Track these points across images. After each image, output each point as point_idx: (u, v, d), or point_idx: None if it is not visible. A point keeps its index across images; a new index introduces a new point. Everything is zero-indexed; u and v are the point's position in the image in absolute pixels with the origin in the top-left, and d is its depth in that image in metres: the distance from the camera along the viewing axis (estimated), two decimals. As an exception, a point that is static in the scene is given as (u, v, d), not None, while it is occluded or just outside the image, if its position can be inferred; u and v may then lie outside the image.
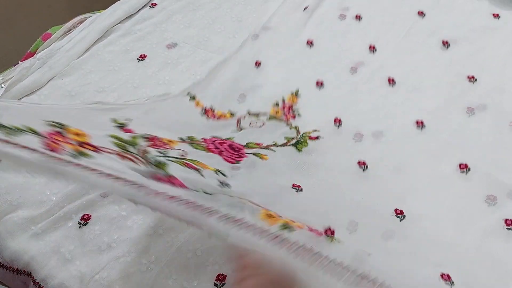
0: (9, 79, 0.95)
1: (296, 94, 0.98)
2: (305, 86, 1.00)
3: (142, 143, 0.69)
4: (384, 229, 0.77)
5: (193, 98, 0.94)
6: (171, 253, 0.75)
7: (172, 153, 0.71)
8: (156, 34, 1.09)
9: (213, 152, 0.78)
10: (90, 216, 0.78)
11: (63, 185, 0.80)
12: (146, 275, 0.73)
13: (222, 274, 0.73)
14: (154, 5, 1.14)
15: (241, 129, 0.90)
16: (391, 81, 1.00)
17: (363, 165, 0.87)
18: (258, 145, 0.86)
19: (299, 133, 0.91)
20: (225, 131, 0.89)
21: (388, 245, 0.76)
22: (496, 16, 1.12)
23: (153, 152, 0.68)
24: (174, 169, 0.65)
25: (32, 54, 1.02)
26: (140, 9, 1.13)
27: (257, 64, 1.03)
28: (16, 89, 0.94)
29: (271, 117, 0.94)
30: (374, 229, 0.77)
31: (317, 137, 0.91)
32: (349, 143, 0.91)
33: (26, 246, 0.74)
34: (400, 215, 0.79)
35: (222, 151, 0.79)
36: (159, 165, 0.64)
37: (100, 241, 0.76)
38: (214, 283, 0.72)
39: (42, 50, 1.01)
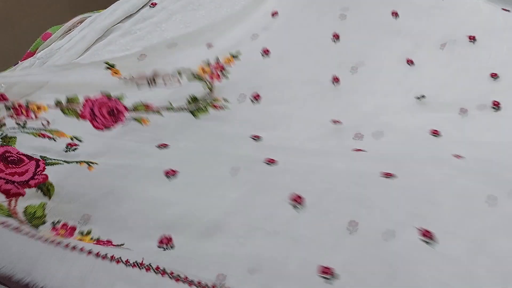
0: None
1: (234, 56, 0.96)
2: (250, 51, 0.98)
3: (4, 113, 0.77)
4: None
5: (111, 66, 0.92)
6: (171, 253, 0.75)
7: (31, 124, 0.78)
8: (156, 34, 1.08)
9: (84, 118, 0.80)
10: (90, 216, 0.78)
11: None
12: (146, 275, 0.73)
13: (222, 274, 0.73)
14: (154, 4, 1.14)
15: (152, 84, 0.89)
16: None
17: (256, 137, 0.87)
18: (147, 108, 0.85)
19: (212, 92, 0.89)
20: (130, 89, 0.88)
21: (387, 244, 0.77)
22: None
23: (9, 124, 0.77)
24: (23, 141, 0.75)
25: (32, 54, 1.02)
26: (140, 9, 1.13)
27: (209, 45, 1.01)
28: (16, 88, 0.94)
29: (195, 77, 0.92)
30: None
31: (221, 107, 0.89)
32: (253, 120, 0.90)
33: (26, 245, 0.74)
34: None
35: (96, 116, 0.80)
36: (6, 139, 0.73)
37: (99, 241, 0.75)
38: (214, 283, 0.72)
39: (42, 50, 1.01)
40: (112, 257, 0.66)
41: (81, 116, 0.80)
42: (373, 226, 0.79)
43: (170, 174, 0.79)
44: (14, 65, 1.00)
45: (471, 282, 0.73)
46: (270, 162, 0.81)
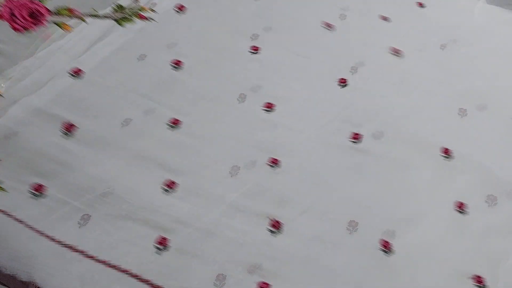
0: (9, 79, 0.95)
1: None
2: None
3: None
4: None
5: None
6: (171, 253, 0.75)
7: None
8: (156, 34, 1.08)
9: (2, 18, 0.79)
10: (90, 216, 0.78)
11: (63, 185, 0.81)
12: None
13: (222, 274, 0.73)
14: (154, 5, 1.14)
15: None
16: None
17: (177, 64, 0.95)
18: (71, 12, 0.86)
19: (137, 1, 0.92)
20: None
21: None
22: None
23: None
24: None
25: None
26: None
27: None
28: (16, 88, 0.94)
29: None
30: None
31: (147, 18, 0.92)
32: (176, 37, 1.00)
33: (26, 246, 0.74)
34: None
35: (15, 17, 0.79)
36: None
37: (99, 241, 0.75)
38: (214, 283, 0.72)
39: (42, 50, 1.01)
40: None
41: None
42: (372, 226, 0.80)
43: (69, 129, 0.85)
44: (14, 65, 0.99)
45: (469, 282, 0.73)
46: (174, 123, 0.88)
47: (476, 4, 1.17)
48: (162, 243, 0.75)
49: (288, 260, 0.75)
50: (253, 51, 1.00)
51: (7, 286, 0.75)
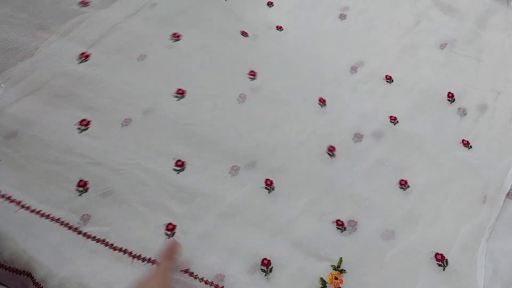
0: (9, 79, 0.95)
1: None
2: None
3: None
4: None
5: None
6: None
7: None
8: (156, 34, 1.08)
9: None
10: (90, 216, 0.78)
11: (63, 185, 0.81)
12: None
13: (221, 275, 0.73)
14: (154, 5, 1.14)
15: None
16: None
17: None
18: None
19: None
20: None
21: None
22: None
23: None
24: None
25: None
26: (140, 9, 1.13)
27: None
28: (16, 89, 0.94)
29: None
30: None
31: None
32: None
33: (25, 246, 0.74)
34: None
35: None
36: None
37: (100, 241, 0.76)
38: (212, 284, 0.73)
39: (42, 50, 1.01)
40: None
41: None
42: (372, 226, 0.80)
43: None
44: (14, 66, 0.99)
45: (468, 283, 0.73)
46: None
47: (479, 4, 1.17)
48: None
49: (288, 261, 0.75)
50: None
51: (7, 286, 0.75)
